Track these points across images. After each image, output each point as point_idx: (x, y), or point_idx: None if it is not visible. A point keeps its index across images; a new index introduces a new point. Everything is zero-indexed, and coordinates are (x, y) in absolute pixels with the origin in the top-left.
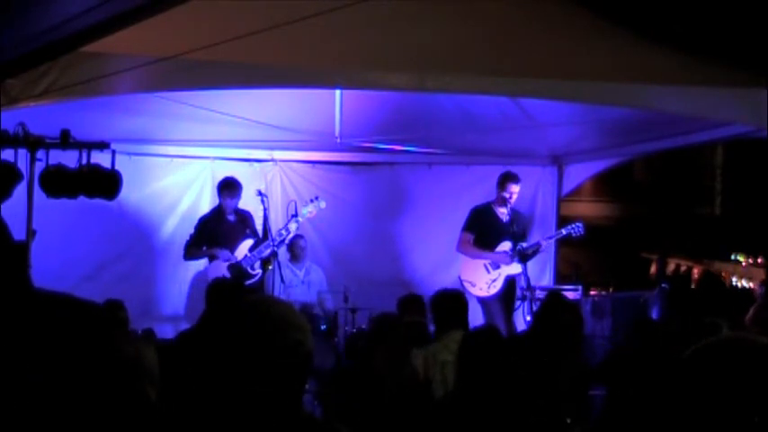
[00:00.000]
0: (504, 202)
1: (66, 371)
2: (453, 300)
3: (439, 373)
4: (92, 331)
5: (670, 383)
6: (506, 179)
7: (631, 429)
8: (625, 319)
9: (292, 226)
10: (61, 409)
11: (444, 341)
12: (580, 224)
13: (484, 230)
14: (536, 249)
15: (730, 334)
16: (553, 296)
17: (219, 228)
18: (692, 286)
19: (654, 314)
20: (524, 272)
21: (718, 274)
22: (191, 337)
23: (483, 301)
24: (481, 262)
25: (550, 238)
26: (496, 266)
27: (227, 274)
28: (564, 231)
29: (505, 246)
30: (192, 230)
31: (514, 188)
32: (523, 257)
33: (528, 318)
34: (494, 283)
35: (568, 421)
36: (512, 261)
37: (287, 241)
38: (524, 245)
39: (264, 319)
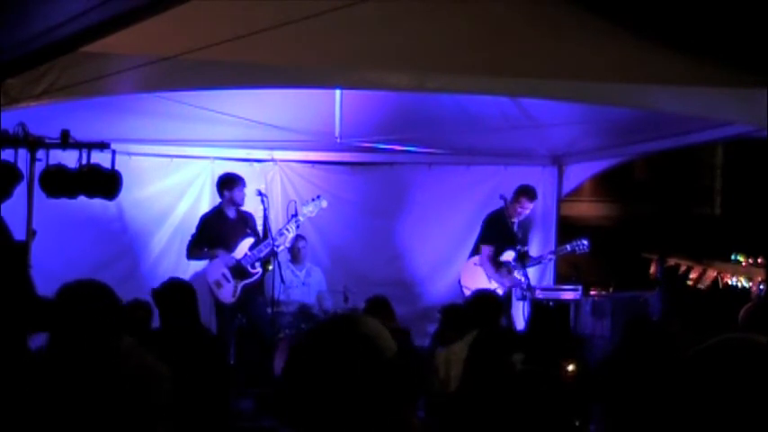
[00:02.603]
0: (515, 213)
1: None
2: (482, 300)
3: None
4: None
5: (671, 385)
6: (521, 193)
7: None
8: (625, 319)
9: (293, 227)
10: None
11: (466, 340)
12: (586, 242)
13: (498, 241)
14: (538, 262)
15: (732, 335)
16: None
17: (220, 226)
18: (696, 286)
19: (654, 314)
20: (524, 272)
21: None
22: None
23: None
24: (482, 269)
25: (554, 253)
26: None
27: (227, 274)
28: (568, 247)
29: (509, 255)
30: (193, 230)
31: (527, 204)
32: (524, 264)
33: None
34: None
35: (577, 424)
36: (516, 281)
37: (287, 243)
38: (527, 251)
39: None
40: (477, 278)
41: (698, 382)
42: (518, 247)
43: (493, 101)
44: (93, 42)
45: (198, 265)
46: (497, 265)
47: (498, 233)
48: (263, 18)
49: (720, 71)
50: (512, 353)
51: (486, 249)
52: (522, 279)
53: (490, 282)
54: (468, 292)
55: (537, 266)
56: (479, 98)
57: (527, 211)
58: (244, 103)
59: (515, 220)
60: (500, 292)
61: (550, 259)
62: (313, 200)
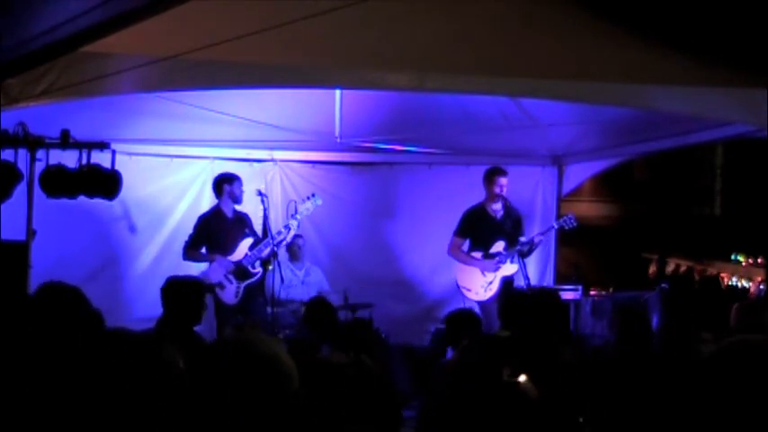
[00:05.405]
0: (495, 197)
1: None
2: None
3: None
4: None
5: (688, 385)
6: (494, 173)
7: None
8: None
9: (292, 225)
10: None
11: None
12: (572, 216)
13: (478, 233)
14: (531, 246)
15: (746, 336)
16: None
17: (219, 226)
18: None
19: (654, 315)
20: (524, 272)
21: (716, 276)
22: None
23: (481, 304)
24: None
25: (543, 232)
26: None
27: (230, 276)
28: (555, 225)
29: (499, 245)
30: (191, 230)
31: (504, 181)
32: (521, 254)
33: None
34: (489, 286)
35: (581, 420)
36: (497, 268)
37: (287, 240)
38: (523, 239)
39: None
40: (473, 277)
41: (714, 383)
42: (513, 243)
43: (493, 101)
44: (94, 42)
45: (199, 267)
46: (487, 257)
47: (475, 226)
48: (263, 18)
49: (720, 71)
50: (502, 361)
51: (455, 240)
52: (516, 268)
53: (484, 274)
54: (467, 293)
55: (537, 265)
56: (479, 98)
57: (504, 188)
58: (244, 103)
59: (499, 205)
60: (495, 288)
61: (540, 241)
62: (309, 197)
